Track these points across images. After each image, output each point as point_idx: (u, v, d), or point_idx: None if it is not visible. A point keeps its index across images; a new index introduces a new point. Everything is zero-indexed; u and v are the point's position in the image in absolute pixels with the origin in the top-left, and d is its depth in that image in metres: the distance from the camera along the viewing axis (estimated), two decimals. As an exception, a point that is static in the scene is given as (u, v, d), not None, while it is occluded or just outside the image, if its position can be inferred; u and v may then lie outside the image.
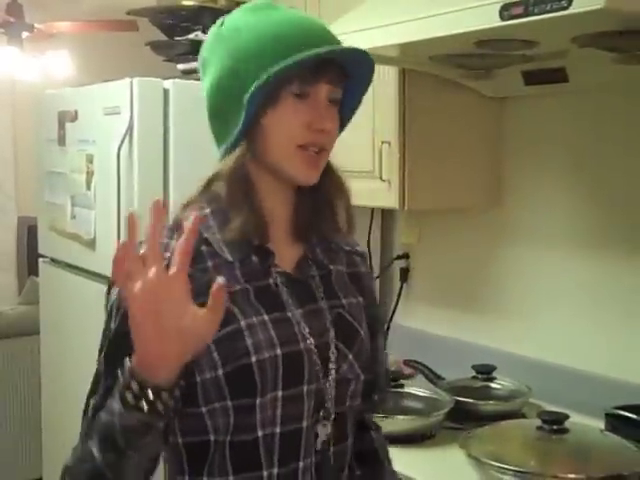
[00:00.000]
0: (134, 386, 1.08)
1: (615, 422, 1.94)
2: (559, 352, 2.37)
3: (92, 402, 1.22)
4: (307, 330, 1.26)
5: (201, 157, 2.58)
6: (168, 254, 1.13)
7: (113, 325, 1.23)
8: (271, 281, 1.27)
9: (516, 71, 2.26)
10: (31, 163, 3.57)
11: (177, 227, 1.24)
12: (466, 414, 2.20)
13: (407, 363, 2.58)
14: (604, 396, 2.09)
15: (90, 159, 2.80)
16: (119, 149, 2.57)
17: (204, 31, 2.79)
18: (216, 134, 1.30)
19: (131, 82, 2.59)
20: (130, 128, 2.57)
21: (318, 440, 1.27)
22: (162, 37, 2.99)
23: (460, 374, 2.39)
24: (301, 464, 1.25)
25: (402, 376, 2.37)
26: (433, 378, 2.43)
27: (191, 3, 2.76)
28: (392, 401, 2.23)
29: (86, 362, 2.89)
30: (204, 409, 1.21)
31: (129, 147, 2.59)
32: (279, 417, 1.22)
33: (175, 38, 2.86)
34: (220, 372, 1.19)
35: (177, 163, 2.61)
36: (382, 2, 2.17)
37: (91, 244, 2.82)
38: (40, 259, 3.38)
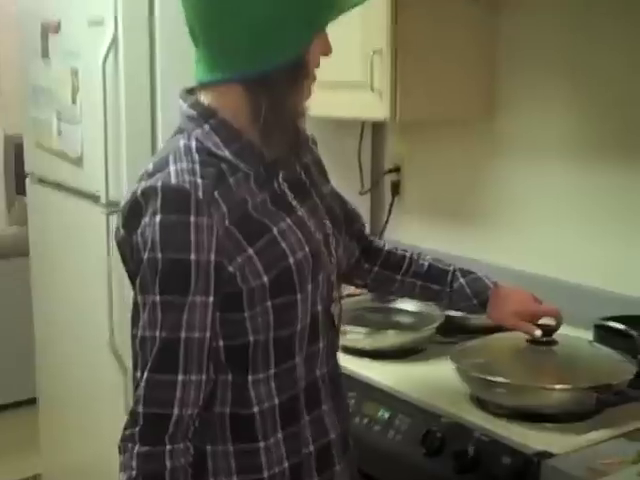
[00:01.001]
0: None
1: (603, 333, 1.94)
2: (551, 264, 2.37)
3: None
4: (313, 225, 1.39)
5: (188, 68, 2.54)
6: (200, 180, 1.23)
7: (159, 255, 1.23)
8: (276, 186, 1.36)
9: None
10: (15, 79, 3.49)
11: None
12: (457, 328, 2.20)
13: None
14: (596, 308, 2.09)
15: (75, 72, 2.73)
16: (104, 62, 2.50)
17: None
18: (248, 51, 1.27)
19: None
20: (115, 40, 2.49)
21: (334, 318, 1.44)
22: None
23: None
24: (321, 344, 1.40)
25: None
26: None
27: None
28: (383, 316, 2.24)
29: (75, 282, 2.91)
30: (247, 314, 1.29)
31: (114, 60, 2.52)
32: (309, 308, 1.35)
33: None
34: (265, 279, 1.29)
35: (164, 75, 2.54)
36: None
37: (78, 162, 2.77)
38: (27, 178, 3.33)
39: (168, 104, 2.54)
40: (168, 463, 1.23)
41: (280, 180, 1.37)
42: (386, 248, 1.74)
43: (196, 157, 1.28)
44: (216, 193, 1.25)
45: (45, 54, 2.92)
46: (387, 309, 2.27)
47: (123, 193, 2.53)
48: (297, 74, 1.30)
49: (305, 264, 1.33)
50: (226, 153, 1.30)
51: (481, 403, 1.78)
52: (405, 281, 1.73)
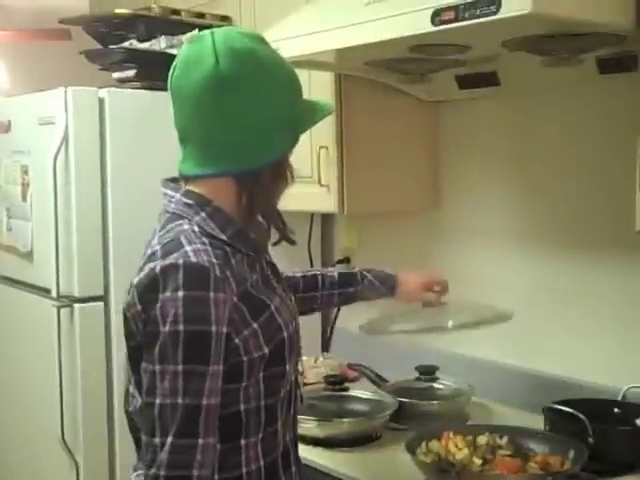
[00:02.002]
0: None
1: (553, 416, 1.97)
2: (500, 349, 2.41)
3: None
4: (290, 303, 1.55)
5: (138, 164, 2.60)
6: (214, 259, 1.34)
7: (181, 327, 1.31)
8: (260, 268, 1.49)
9: (450, 75, 2.31)
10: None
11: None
12: (410, 415, 2.22)
13: (351, 367, 2.60)
14: (546, 392, 2.13)
15: (25, 170, 2.76)
16: (55, 159, 2.54)
17: (138, 39, 2.77)
18: (238, 153, 1.42)
19: (65, 91, 2.55)
20: (65, 138, 2.54)
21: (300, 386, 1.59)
22: (96, 45, 2.96)
23: (404, 376, 2.42)
24: (292, 411, 1.54)
25: (346, 380, 2.38)
26: (377, 380, 2.45)
27: (125, 12, 2.73)
28: (336, 404, 2.25)
29: (25, 376, 2.86)
30: (243, 384, 1.40)
31: (65, 157, 2.55)
32: (291, 376, 1.49)
33: (109, 46, 2.83)
34: (266, 350, 1.41)
35: (114, 172, 2.59)
36: (316, 9, 2.19)
37: (28, 256, 2.78)
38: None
39: (119, 200, 2.58)
40: None
41: (264, 263, 1.51)
42: (299, 275, 1.96)
43: (205, 240, 1.38)
44: (227, 272, 1.36)
45: (-5, 153, 2.95)
46: (341, 397, 2.28)
47: (75, 286, 2.56)
48: (280, 170, 1.47)
49: (294, 337, 1.48)
50: (225, 237, 1.42)
51: (436, 489, 1.80)
52: (324, 294, 1.97)
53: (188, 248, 1.35)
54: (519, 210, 2.43)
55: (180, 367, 1.30)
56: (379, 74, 2.32)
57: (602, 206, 2.19)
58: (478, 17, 1.59)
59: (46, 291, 2.65)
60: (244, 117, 1.39)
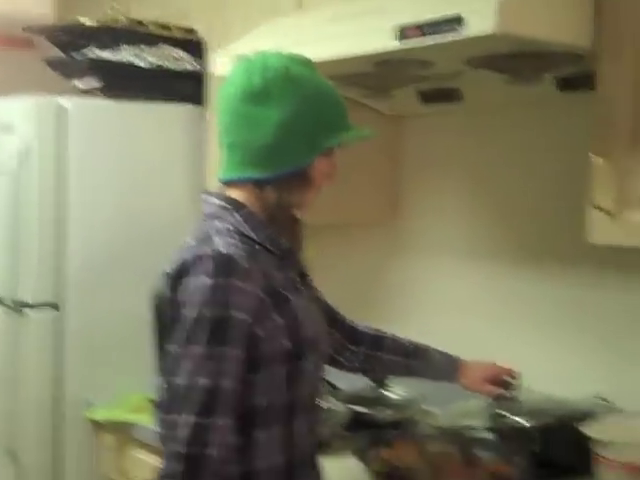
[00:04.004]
0: None
1: (499, 424, 1.98)
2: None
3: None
4: (316, 311, 1.63)
5: (99, 173, 2.59)
6: (243, 252, 1.43)
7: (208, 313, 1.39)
8: (288, 272, 1.56)
9: (413, 90, 2.34)
10: None
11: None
12: (362, 423, 2.24)
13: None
14: (497, 401, 2.15)
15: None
16: (14, 167, 2.52)
17: (103, 49, 2.75)
18: (261, 159, 1.51)
19: (26, 99, 2.54)
20: (26, 145, 2.52)
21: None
22: (59, 54, 2.94)
23: (356, 384, 2.43)
24: (316, 415, 1.61)
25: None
26: (329, 389, 2.45)
27: (91, 23, 2.72)
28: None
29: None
30: (263, 376, 1.45)
31: (25, 165, 2.53)
32: (313, 378, 1.56)
33: (72, 54, 2.81)
34: (287, 345, 1.47)
35: (75, 181, 2.58)
36: (282, 24, 2.21)
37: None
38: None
39: (79, 210, 2.57)
40: None
41: (291, 272, 1.58)
42: (369, 331, 1.95)
43: (235, 236, 1.48)
44: (254, 265, 1.45)
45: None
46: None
47: (28, 293, 2.55)
48: (300, 183, 1.54)
49: (315, 338, 1.55)
50: (257, 238, 1.51)
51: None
52: (390, 359, 1.93)
53: (219, 241, 1.44)
54: (478, 224, 2.47)
55: (203, 349, 1.37)
56: (342, 88, 2.32)
57: (559, 220, 2.24)
58: (443, 35, 1.63)
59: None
60: (267, 126, 1.49)
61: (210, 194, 1.59)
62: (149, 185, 2.72)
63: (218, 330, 1.38)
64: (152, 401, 1.57)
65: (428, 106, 2.40)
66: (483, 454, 1.92)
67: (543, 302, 2.31)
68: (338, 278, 2.84)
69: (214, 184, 1.63)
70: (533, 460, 1.84)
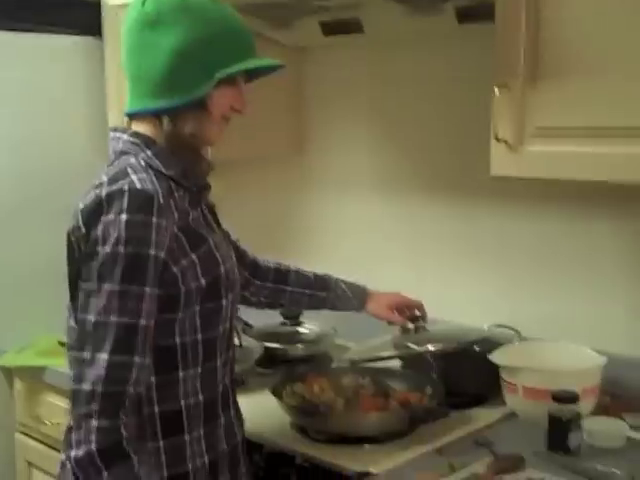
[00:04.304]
0: None
1: (406, 355, 2.01)
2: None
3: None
4: (227, 248, 1.61)
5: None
6: (159, 188, 1.41)
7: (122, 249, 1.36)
8: (200, 209, 1.55)
9: (314, 22, 2.31)
10: None
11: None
12: (275, 359, 2.26)
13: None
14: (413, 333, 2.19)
15: None
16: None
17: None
18: (157, 89, 1.47)
19: None
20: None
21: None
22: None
23: (268, 321, 2.44)
24: (230, 353, 1.61)
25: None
26: (242, 326, 2.47)
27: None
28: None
29: None
30: (179, 315, 1.45)
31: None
32: (228, 316, 1.55)
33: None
34: (203, 282, 1.46)
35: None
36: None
37: None
38: None
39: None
40: (124, 433, 1.34)
41: (202, 205, 1.57)
42: (272, 265, 1.96)
43: (150, 172, 1.45)
44: (171, 202, 1.44)
45: None
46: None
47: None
48: (197, 114, 1.49)
49: (230, 275, 1.54)
50: (172, 174, 1.48)
51: (302, 430, 1.84)
52: (294, 292, 1.95)
53: (134, 177, 1.41)
54: (382, 156, 2.48)
55: (117, 286, 1.35)
56: (243, 20, 2.30)
57: (461, 153, 2.27)
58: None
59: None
60: (160, 54, 1.45)
61: (117, 130, 1.54)
62: (48, 122, 2.60)
63: (132, 267, 1.36)
64: (63, 343, 1.53)
65: (330, 38, 2.37)
66: (395, 384, 1.96)
67: (450, 234, 2.35)
68: (245, 214, 2.83)
69: (116, 120, 1.59)
70: (443, 389, 1.88)
